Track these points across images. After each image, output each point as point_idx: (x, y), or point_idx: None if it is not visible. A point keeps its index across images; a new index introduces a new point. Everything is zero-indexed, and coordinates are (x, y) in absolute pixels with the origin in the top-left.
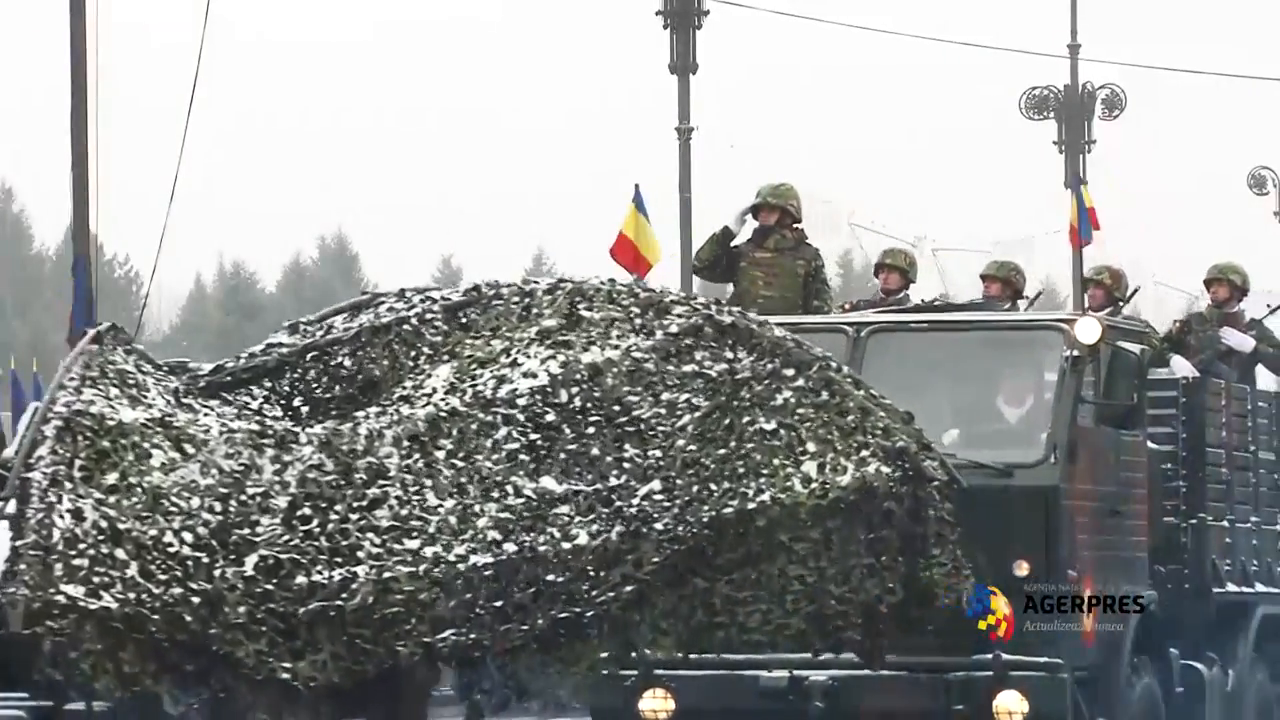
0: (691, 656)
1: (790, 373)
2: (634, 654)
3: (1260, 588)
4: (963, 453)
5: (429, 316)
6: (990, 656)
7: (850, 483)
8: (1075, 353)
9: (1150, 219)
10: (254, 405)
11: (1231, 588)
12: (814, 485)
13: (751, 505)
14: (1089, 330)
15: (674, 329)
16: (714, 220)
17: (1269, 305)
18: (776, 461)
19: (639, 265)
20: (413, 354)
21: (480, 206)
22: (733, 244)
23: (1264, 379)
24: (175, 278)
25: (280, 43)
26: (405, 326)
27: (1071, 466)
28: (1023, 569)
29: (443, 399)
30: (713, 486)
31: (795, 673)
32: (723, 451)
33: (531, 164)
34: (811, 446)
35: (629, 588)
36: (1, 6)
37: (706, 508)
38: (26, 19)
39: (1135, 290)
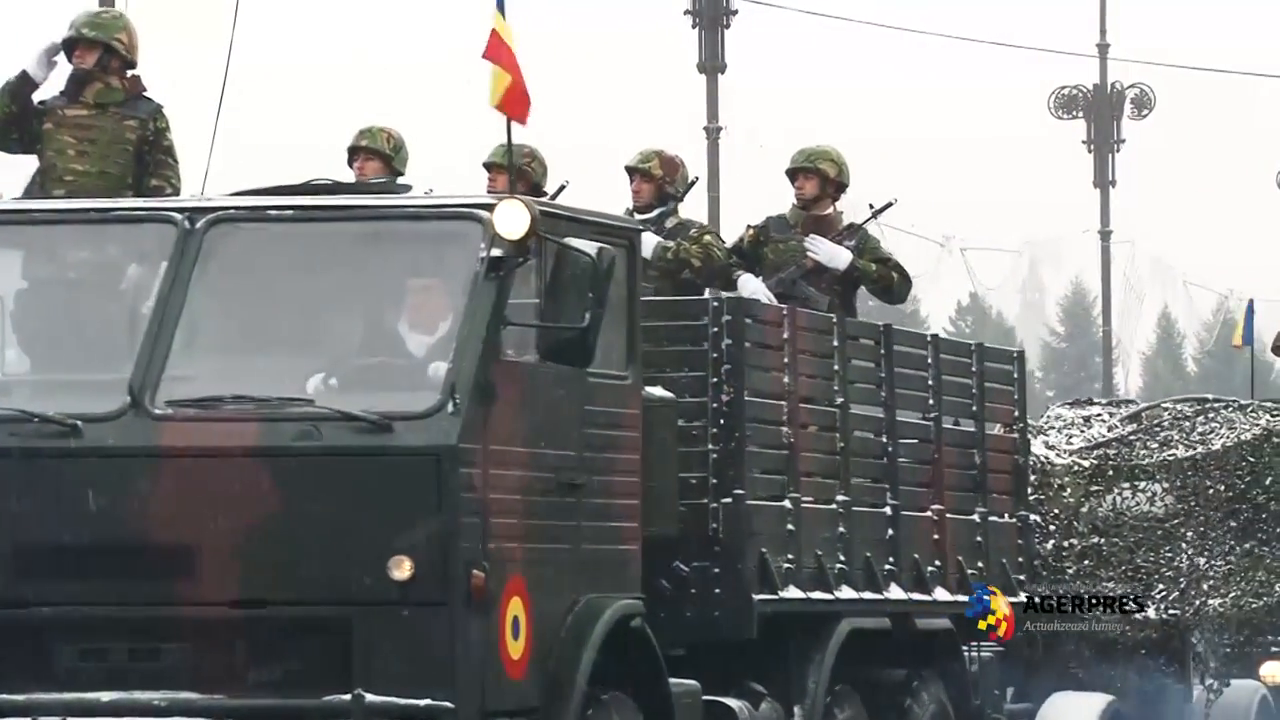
0: None
1: None
2: None
3: (849, 593)
4: (327, 397)
5: None
6: (349, 697)
7: None
8: (497, 252)
9: (1179, 218)
10: None
11: (794, 593)
12: None
13: None
14: (512, 218)
15: None
16: (743, 219)
17: (872, 205)
18: None
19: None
20: None
21: None
22: (38, 99)
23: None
24: None
25: (303, 57)
26: None
27: (486, 418)
28: (403, 569)
29: None
30: None
31: None
32: None
33: (558, 164)
34: None
35: None
36: (2, 6)
37: None
38: (27, 18)
39: (694, 182)
